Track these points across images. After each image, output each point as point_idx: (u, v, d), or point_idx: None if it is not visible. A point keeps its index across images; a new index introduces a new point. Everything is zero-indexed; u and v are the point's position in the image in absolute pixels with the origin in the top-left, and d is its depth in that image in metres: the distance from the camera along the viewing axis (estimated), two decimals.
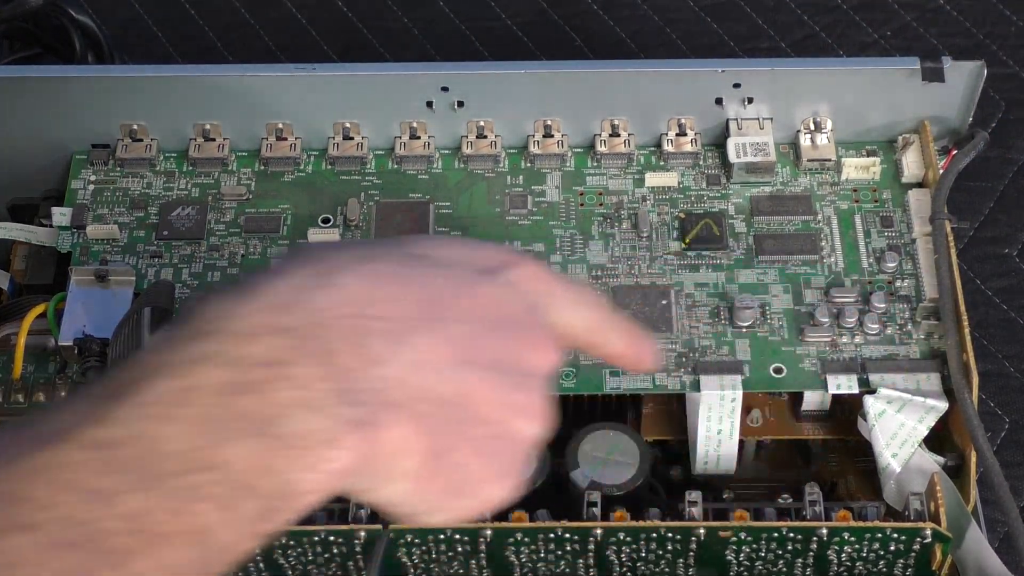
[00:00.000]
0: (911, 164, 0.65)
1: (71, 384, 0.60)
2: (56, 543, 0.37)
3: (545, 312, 0.45)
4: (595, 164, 0.67)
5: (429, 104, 0.66)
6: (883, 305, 0.61)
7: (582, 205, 0.65)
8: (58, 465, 0.37)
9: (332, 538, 0.56)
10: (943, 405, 0.57)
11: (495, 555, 0.57)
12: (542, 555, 0.57)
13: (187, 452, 0.38)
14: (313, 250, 0.43)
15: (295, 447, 0.39)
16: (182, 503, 0.38)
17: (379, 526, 0.55)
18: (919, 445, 0.57)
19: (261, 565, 0.58)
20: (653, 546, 0.56)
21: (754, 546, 0.56)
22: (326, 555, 0.57)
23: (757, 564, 0.57)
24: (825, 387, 0.58)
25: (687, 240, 0.64)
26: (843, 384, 0.58)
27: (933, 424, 0.57)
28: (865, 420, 0.58)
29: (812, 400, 0.60)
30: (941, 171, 0.64)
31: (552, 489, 0.58)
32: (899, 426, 0.57)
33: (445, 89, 0.65)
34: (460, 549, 0.57)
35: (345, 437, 0.39)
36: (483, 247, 0.45)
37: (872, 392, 0.58)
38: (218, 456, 0.38)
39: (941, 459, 0.58)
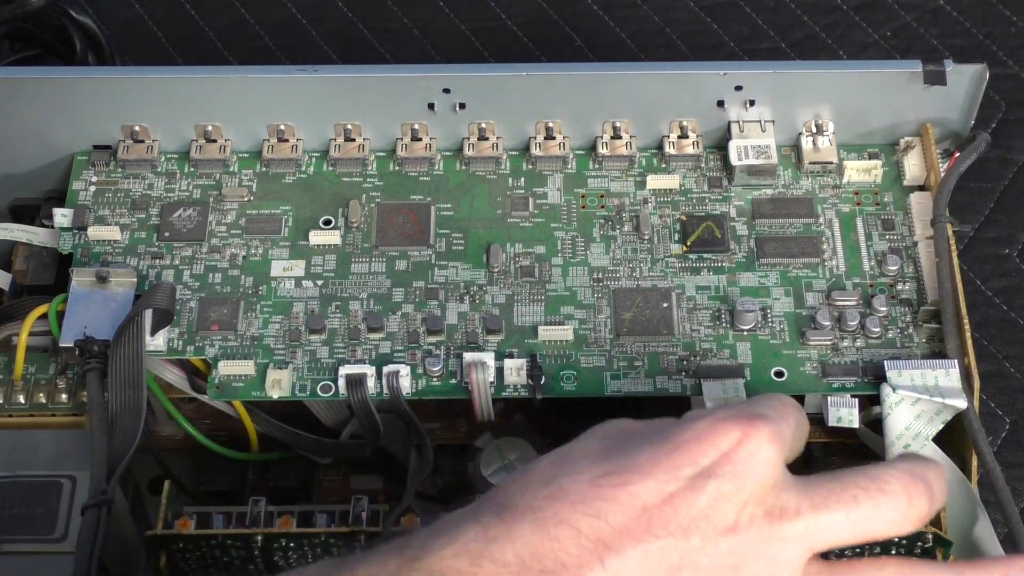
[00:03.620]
0: (913, 167, 0.65)
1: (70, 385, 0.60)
2: None
3: None
4: (596, 166, 0.67)
5: (431, 106, 0.66)
6: (884, 308, 0.61)
7: (583, 207, 0.65)
8: None
9: (333, 540, 0.56)
10: (961, 404, 0.57)
11: None
12: None
13: None
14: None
15: None
16: None
17: (379, 529, 0.55)
18: (930, 441, 0.57)
19: (262, 566, 0.58)
20: None
21: None
22: (326, 557, 0.57)
23: None
24: (826, 413, 0.58)
25: (688, 243, 0.64)
26: (844, 417, 0.58)
27: (949, 419, 0.57)
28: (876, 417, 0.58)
29: (813, 403, 0.60)
30: (943, 174, 0.64)
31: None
32: (915, 417, 0.57)
33: (447, 91, 0.65)
34: None
35: None
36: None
37: (876, 392, 0.58)
38: None
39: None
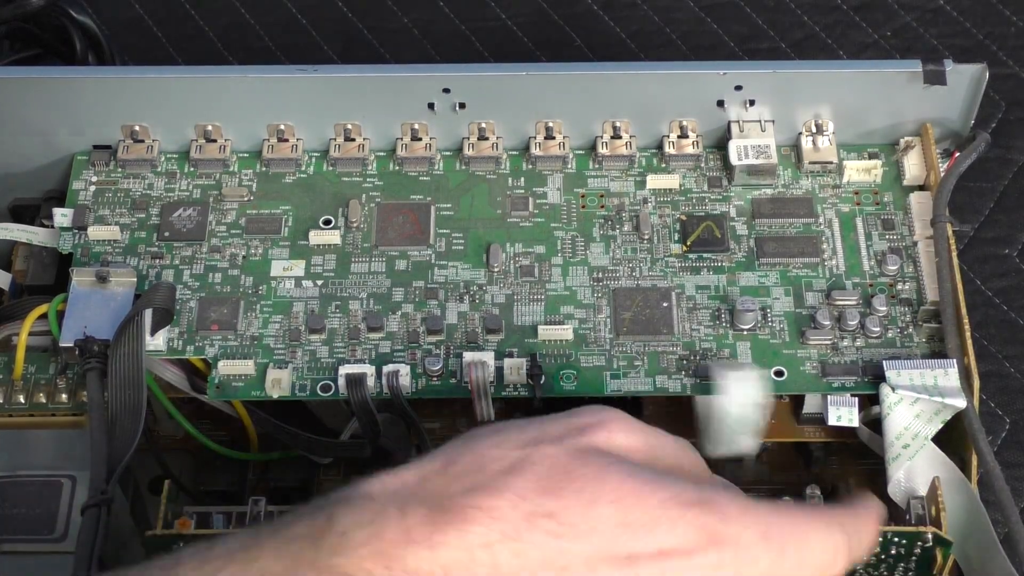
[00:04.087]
0: (912, 167, 0.65)
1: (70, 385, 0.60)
2: None
3: None
4: (596, 166, 0.67)
5: (430, 105, 0.66)
6: (884, 308, 0.61)
7: (583, 207, 0.65)
8: None
9: None
10: (960, 403, 0.57)
11: None
12: None
13: None
14: None
15: None
16: None
17: None
18: (930, 441, 0.57)
19: None
20: None
21: None
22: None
23: None
24: (826, 412, 0.58)
25: (688, 242, 0.64)
26: (843, 417, 0.58)
27: (948, 419, 0.57)
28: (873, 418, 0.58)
29: (813, 403, 0.60)
30: (943, 174, 0.64)
31: None
32: (914, 417, 0.57)
33: (446, 90, 0.65)
34: None
35: None
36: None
37: (875, 392, 0.58)
38: None
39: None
